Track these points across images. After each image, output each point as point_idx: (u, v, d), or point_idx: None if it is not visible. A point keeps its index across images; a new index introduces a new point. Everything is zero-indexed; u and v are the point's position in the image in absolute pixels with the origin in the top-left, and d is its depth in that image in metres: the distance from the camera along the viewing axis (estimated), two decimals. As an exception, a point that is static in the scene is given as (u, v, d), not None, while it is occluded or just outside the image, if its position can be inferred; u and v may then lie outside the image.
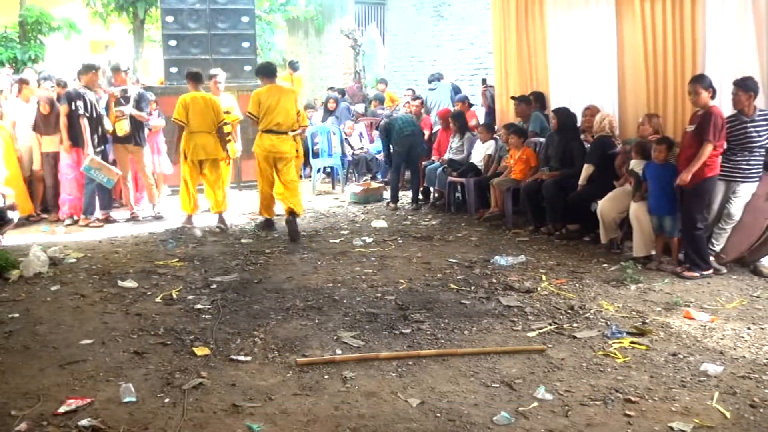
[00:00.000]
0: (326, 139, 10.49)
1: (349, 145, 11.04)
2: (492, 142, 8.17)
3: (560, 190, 6.73)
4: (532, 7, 7.91)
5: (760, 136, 5.35)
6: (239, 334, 4.22)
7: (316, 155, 10.46)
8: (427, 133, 9.58)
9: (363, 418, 3.15)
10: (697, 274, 5.37)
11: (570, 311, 4.62)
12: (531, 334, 4.22)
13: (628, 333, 4.21)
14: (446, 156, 8.67)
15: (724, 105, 5.55)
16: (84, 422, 3.09)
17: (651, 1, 6.43)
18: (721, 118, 5.23)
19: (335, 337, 4.16)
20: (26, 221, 7.68)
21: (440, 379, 3.56)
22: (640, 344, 4.03)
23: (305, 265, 5.90)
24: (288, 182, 7.11)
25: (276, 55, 16.80)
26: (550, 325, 4.37)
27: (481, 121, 9.13)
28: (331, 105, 12.01)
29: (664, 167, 5.59)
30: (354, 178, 10.96)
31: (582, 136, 7.01)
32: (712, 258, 5.49)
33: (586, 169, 6.47)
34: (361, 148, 11.20)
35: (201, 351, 3.94)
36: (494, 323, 4.40)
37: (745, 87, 5.30)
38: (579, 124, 7.10)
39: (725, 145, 5.36)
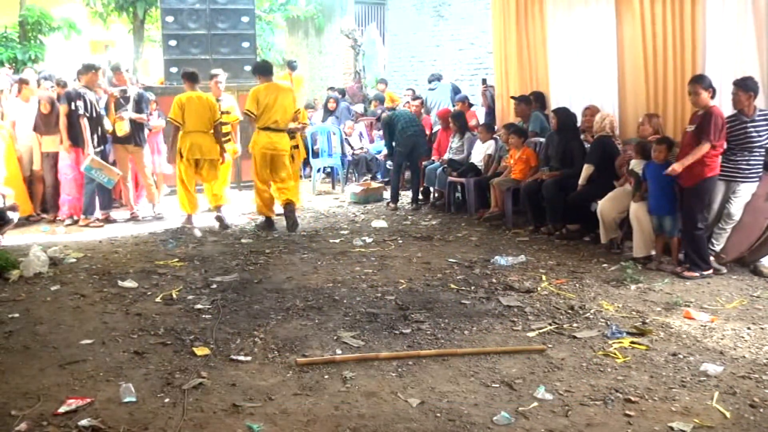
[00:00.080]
0: (326, 139, 10.49)
1: (349, 145, 11.04)
2: (492, 142, 8.17)
3: (560, 190, 6.73)
4: (532, 7, 7.91)
5: (760, 136, 5.35)
6: (239, 334, 4.22)
7: (316, 155, 10.46)
8: (426, 133, 9.58)
9: (363, 418, 3.15)
10: (697, 274, 5.37)
11: (570, 311, 4.62)
12: (531, 334, 4.22)
13: (628, 333, 4.21)
14: (446, 156, 8.66)
15: (724, 105, 5.55)
16: (84, 422, 3.09)
17: (651, 1, 6.43)
18: (721, 118, 5.23)
19: (335, 337, 4.16)
20: (26, 221, 7.68)
21: (440, 379, 3.57)
22: (640, 344, 4.03)
23: (305, 265, 5.90)
24: (286, 177, 7.27)
25: (276, 55, 16.78)
26: (550, 325, 4.37)
27: (482, 121, 9.14)
28: (331, 105, 12.02)
29: (664, 167, 5.58)
30: (354, 178, 10.96)
31: (582, 136, 7.01)
32: (712, 258, 5.49)
33: (586, 169, 6.47)
34: (361, 148, 11.20)
35: (201, 351, 3.94)
36: (494, 323, 4.41)
37: (745, 87, 5.30)
38: (579, 124, 7.10)
39: (725, 145, 5.37)
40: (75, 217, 7.71)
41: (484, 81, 10.50)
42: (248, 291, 5.12)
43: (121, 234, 7.24)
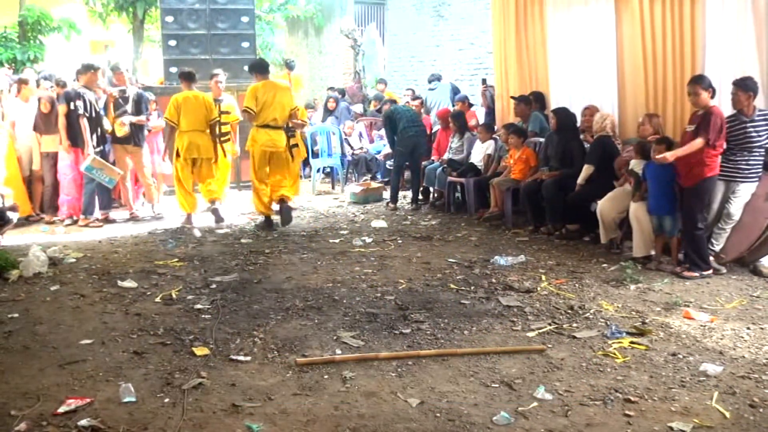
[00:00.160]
0: (326, 139, 10.49)
1: (349, 145, 11.04)
2: (491, 142, 8.17)
3: (560, 190, 6.73)
4: (531, 8, 7.91)
5: (759, 136, 5.35)
6: (239, 334, 4.22)
7: (315, 155, 10.46)
8: (427, 132, 9.58)
9: (363, 418, 3.15)
10: (696, 274, 5.37)
11: (570, 311, 4.62)
12: (531, 334, 4.22)
13: (628, 333, 4.21)
14: (446, 156, 8.66)
15: (723, 105, 5.55)
16: (83, 422, 3.09)
17: (650, 1, 6.43)
18: (720, 118, 5.23)
19: (335, 337, 4.16)
20: (26, 221, 7.68)
21: (440, 379, 3.56)
22: (639, 344, 4.03)
23: (305, 265, 5.90)
24: (285, 175, 7.37)
25: (276, 55, 16.78)
26: (550, 325, 4.37)
27: (482, 121, 9.13)
28: (331, 105, 12.02)
29: (663, 167, 5.58)
30: (354, 178, 10.96)
31: (581, 136, 7.01)
32: (711, 258, 5.49)
33: (586, 170, 6.47)
34: (361, 148, 11.20)
35: (201, 351, 3.94)
36: (494, 323, 4.41)
37: (744, 87, 5.30)
38: (578, 124, 7.10)
39: (725, 145, 5.37)
40: (74, 217, 7.71)
41: (483, 81, 10.50)
42: (248, 291, 5.12)
43: (121, 234, 7.24)
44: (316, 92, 16.14)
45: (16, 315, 4.62)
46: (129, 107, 7.78)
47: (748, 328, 4.29)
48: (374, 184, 9.77)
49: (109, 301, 4.92)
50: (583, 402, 3.31)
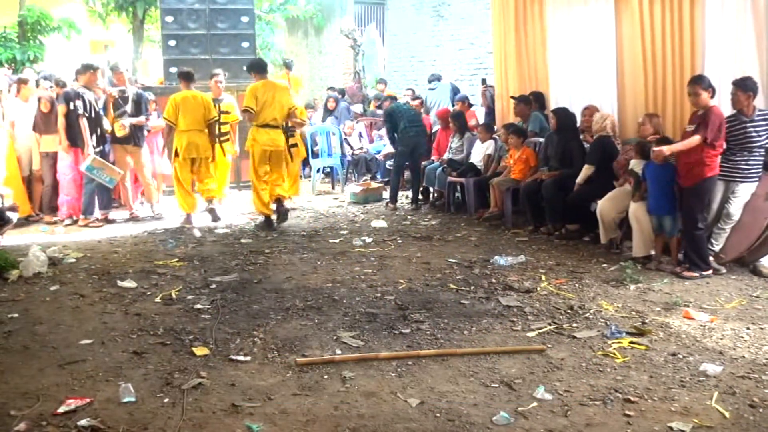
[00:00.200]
0: (326, 139, 10.49)
1: (349, 145, 11.04)
2: (491, 142, 8.17)
3: (560, 190, 6.73)
4: (531, 7, 7.91)
5: (759, 136, 5.35)
6: (239, 334, 4.22)
7: (315, 155, 10.46)
8: (427, 132, 9.57)
9: (362, 418, 3.15)
10: (696, 274, 5.37)
11: (569, 311, 4.62)
12: (530, 334, 4.22)
13: (628, 333, 4.21)
14: (446, 156, 8.67)
15: (723, 105, 5.55)
16: (83, 422, 3.09)
17: (650, 1, 6.43)
18: (720, 118, 5.22)
19: (335, 337, 4.16)
20: (25, 221, 7.68)
21: (440, 379, 3.56)
22: (639, 344, 4.03)
23: (305, 265, 5.90)
24: (283, 174, 7.51)
25: (276, 55, 16.79)
26: (550, 325, 4.37)
27: (482, 121, 9.13)
28: (331, 105, 12.02)
29: (663, 167, 5.59)
30: (353, 178, 10.97)
31: (581, 136, 7.01)
32: (711, 258, 5.49)
33: (586, 170, 6.47)
34: (361, 148, 11.20)
35: (200, 351, 3.94)
36: (494, 323, 4.40)
37: (744, 87, 5.30)
38: (578, 124, 7.10)
39: (724, 145, 5.37)
40: (74, 217, 7.71)
41: (483, 81, 10.51)
42: (248, 291, 5.12)
43: (121, 234, 7.24)
44: (315, 92, 16.15)
45: (15, 315, 4.62)
46: (128, 107, 7.79)
47: (748, 328, 4.29)
48: (374, 184, 9.78)
49: (109, 301, 4.92)
50: (582, 402, 3.31)
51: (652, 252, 5.79)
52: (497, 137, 8.17)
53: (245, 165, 9.32)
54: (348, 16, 15.86)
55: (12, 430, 3.04)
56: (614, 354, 3.88)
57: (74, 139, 7.52)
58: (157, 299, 4.96)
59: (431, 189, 8.91)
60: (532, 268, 5.71)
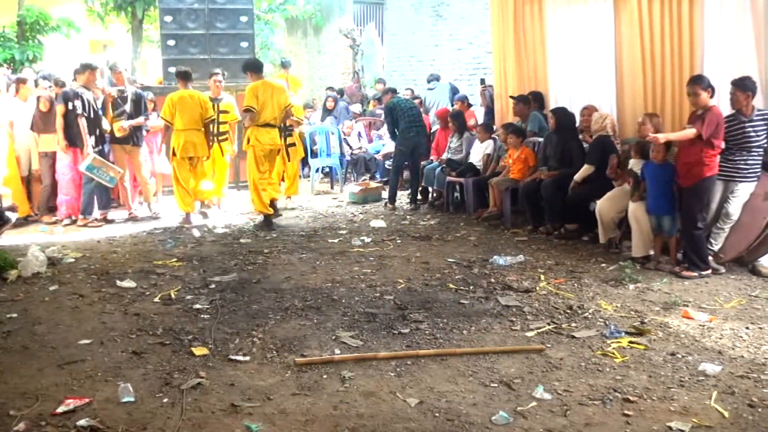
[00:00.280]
0: (325, 138, 10.49)
1: (348, 144, 11.04)
2: (490, 142, 8.17)
3: (559, 190, 6.73)
4: (530, 7, 7.91)
5: (758, 135, 5.36)
6: (238, 334, 4.22)
7: (314, 155, 10.46)
8: (427, 132, 9.57)
9: (362, 418, 3.15)
10: (695, 273, 5.37)
11: (568, 311, 4.62)
12: (529, 334, 4.22)
13: (627, 333, 4.21)
14: (445, 156, 8.67)
15: (722, 105, 5.55)
16: (82, 422, 3.09)
17: (649, 1, 6.43)
18: (718, 117, 5.22)
19: (334, 337, 4.16)
20: (24, 221, 7.67)
21: (439, 379, 3.57)
22: (638, 344, 4.03)
23: (304, 265, 5.90)
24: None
25: (275, 55, 16.79)
26: (549, 324, 4.37)
27: (481, 120, 9.13)
28: (330, 104, 12.01)
29: (662, 167, 5.59)
30: (352, 178, 10.96)
31: (580, 136, 7.01)
32: (710, 258, 5.49)
33: (586, 169, 6.47)
34: (360, 148, 11.20)
35: (199, 351, 3.94)
36: (493, 323, 4.41)
37: (743, 87, 5.31)
38: (577, 124, 7.11)
39: (723, 145, 5.37)
40: (73, 217, 7.70)
41: (482, 81, 10.51)
42: (247, 291, 5.12)
43: (120, 234, 7.24)
44: (315, 92, 16.15)
45: (14, 315, 4.62)
46: (127, 107, 7.79)
47: (747, 328, 4.29)
48: (373, 184, 9.77)
49: (108, 301, 4.92)
50: (582, 402, 3.31)
51: (651, 252, 5.80)
52: (496, 137, 8.17)
53: (244, 165, 9.35)
54: (347, 16, 15.87)
55: (11, 430, 3.04)
56: (613, 354, 3.88)
57: (73, 139, 7.51)
58: (156, 299, 4.96)
59: (430, 189, 8.91)
60: (531, 268, 5.71)
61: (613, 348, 3.96)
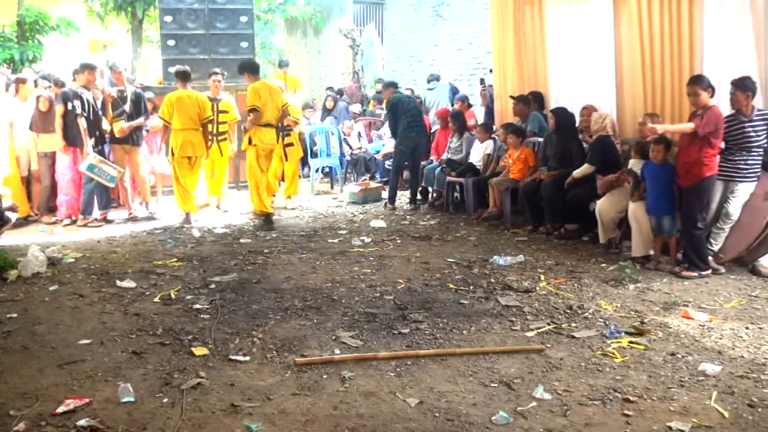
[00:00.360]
0: (325, 138, 10.48)
1: (348, 144, 11.03)
2: (490, 142, 8.17)
3: (558, 190, 6.73)
4: (530, 7, 7.91)
5: (758, 135, 5.35)
6: (238, 334, 4.22)
7: (314, 155, 10.46)
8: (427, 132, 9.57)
9: (362, 418, 3.15)
10: (695, 273, 5.37)
11: (568, 311, 4.62)
12: (529, 334, 4.22)
13: (627, 333, 4.21)
14: (444, 156, 8.67)
15: (722, 105, 5.55)
16: (82, 422, 3.09)
17: (648, 1, 6.43)
18: (717, 115, 5.22)
19: (334, 337, 4.16)
20: (24, 221, 7.67)
21: (439, 379, 3.57)
22: (638, 344, 4.03)
23: (304, 265, 5.90)
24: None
25: (275, 55, 16.80)
26: (549, 324, 4.37)
27: (482, 120, 9.13)
28: (329, 104, 12.01)
29: (662, 167, 5.59)
30: (352, 178, 10.96)
31: (580, 136, 7.01)
32: (710, 258, 5.49)
33: (586, 168, 6.47)
34: (360, 148, 11.19)
35: (199, 351, 3.94)
36: (493, 323, 4.41)
37: (743, 87, 5.31)
38: (577, 124, 7.11)
39: (723, 145, 5.37)
40: (73, 217, 7.70)
41: (482, 81, 10.51)
42: (247, 291, 5.12)
43: (120, 234, 7.24)
44: (315, 92, 16.15)
45: (14, 315, 4.62)
46: (127, 107, 7.79)
47: (747, 328, 4.29)
48: (373, 184, 9.77)
49: (108, 301, 4.92)
50: (582, 402, 3.31)
51: (651, 252, 5.80)
52: (496, 137, 8.17)
53: (244, 165, 9.36)
54: (347, 16, 15.87)
55: (11, 430, 3.04)
56: (613, 354, 3.88)
57: (73, 139, 7.51)
58: (156, 299, 4.96)
59: (430, 189, 8.91)
60: (531, 268, 5.71)
61: (613, 348, 3.97)
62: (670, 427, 3.04)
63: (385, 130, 10.82)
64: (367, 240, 6.80)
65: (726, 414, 3.17)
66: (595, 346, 4.00)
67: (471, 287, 5.18)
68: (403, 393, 3.40)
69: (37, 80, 8.55)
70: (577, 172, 6.51)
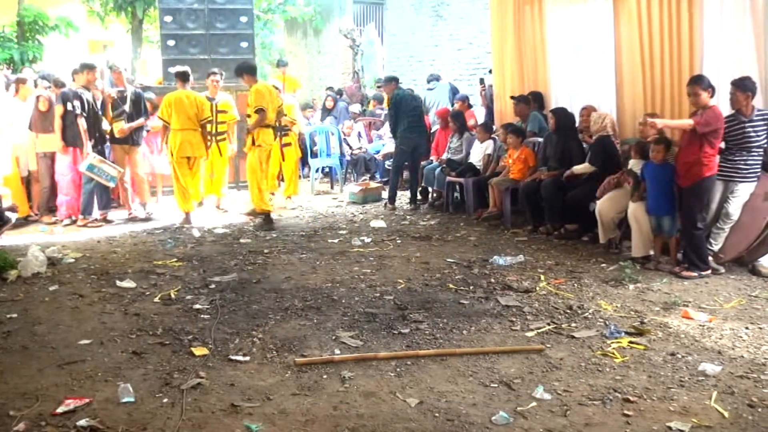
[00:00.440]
0: (325, 138, 10.49)
1: (348, 144, 11.04)
2: (490, 142, 8.17)
3: (558, 190, 6.73)
4: (530, 7, 7.91)
5: (758, 136, 5.35)
6: (238, 334, 4.22)
7: (314, 155, 10.46)
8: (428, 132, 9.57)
9: (362, 418, 3.15)
10: (695, 273, 5.37)
11: (568, 311, 4.63)
12: (529, 334, 4.22)
13: (627, 333, 4.21)
14: (444, 156, 8.67)
15: (722, 105, 5.55)
16: (82, 422, 3.09)
17: (648, 1, 6.43)
18: (717, 114, 5.22)
19: (334, 337, 4.16)
20: (24, 221, 7.67)
21: (439, 379, 3.57)
22: (638, 344, 4.03)
23: (304, 265, 5.90)
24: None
25: (276, 55, 16.80)
26: (549, 324, 4.37)
27: (482, 120, 9.12)
28: (329, 103, 12.01)
29: (662, 167, 5.59)
30: (352, 178, 10.96)
31: (579, 136, 7.01)
32: (710, 258, 5.49)
33: (587, 167, 6.47)
34: (360, 148, 11.20)
35: (199, 351, 3.94)
36: (493, 323, 4.41)
37: (743, 87, 5.31)
38: (577, 124, 7.11)
39: (723, 145, 5.37)
40: (73, 217, 7.70)
41: (481, 81, 10.51)
42: (247, 291, 5.12)
43: (120, 234, 7.24)
44: (314, 92, 16.15)
45: (14, 315, 4.62)
46: (127, 107, 7.79)
47: (747, 328, 4.29)
48: (373, 184, 9.77)
49: (108, 301, 4.92)
50: (581, 402, 3.31)
51: (651, 252, 5.80)
52: (496, 137, 8.17)
53: (244, 165, 9.36)
54: (347, 16, 15.88)
55: (11, 430, 3.04)
56: (613, 354, 3.88)
57: (72, 140, 7.51)
58: (156, 299, 4.96)
59: (430, 189, 8.91)
60: (531, 268, 5.71)
61: (613, 348, 3.97)
62: (670, 427, 3.04)
63: (385, 130, 10.83)
64: (367, 240, 6.80)
65: (726, 414, 3.17)
66: (595, 346, 4.00)
67: (471, 287, 5.18)
68: (403, 393, 3.40)
69: (37, 80, 8.54)
70: (577, 168, 6.52)
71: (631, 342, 4.06)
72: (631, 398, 3.32)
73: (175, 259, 6.09)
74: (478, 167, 8.14)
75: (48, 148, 7.74)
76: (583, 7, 7.26)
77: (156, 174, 8.70)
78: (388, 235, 7.03)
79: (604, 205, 6.11)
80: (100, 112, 7.73)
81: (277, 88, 8.16)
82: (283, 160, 8.87)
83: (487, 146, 8.15)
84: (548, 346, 4.02)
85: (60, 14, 13.33)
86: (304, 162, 10.35)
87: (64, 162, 7.64)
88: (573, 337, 4.15)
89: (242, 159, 9.29)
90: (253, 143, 7.45)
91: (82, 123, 7.43)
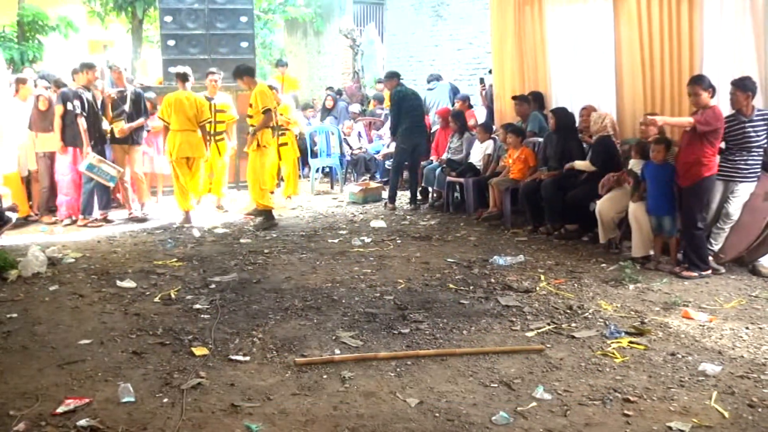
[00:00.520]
0: (325, 138, 10.48)
1: (348, 144, 11.03)
2: (490, 142, 8.17)
3: (558, 190, 6.73)
4: (530, 7, 7.91)
5: (758, 136, 5.35)
6: (238, 334, 4.22)
7: (314, 155, 10.46)
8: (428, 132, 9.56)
9: (362, 418, 3.15)
10: (695, 273, 5.37)
11: (568, 311, 4.63)
12: (529, 334, 4.22)
13: (627, 333, 4.21)
14: (445, 156, 8.67)
15: (722, 105, 5.55)
16: (82, 422, 3.09)
17: (648, 1, 6.43)
18: (717, 114, 5.22)
19: (334, 337, 4.16)
20: (24, 221, 7.67)
21: (439, 379, 3.57)
22: (638, 344, 4.03)
23: (304, 265, 5.90)
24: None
25: (276, 55, 16.79)
26: (549, 324, 4.37)
27: (482, 120, 9.12)
28: (329, 103, 12.00)
29: (662, 167, 5.59)
30: (352, 178, 10.96)
31: (579, 136, 7.01)
32: (710, 258, 5.49)
33: (588, 166, 6.47)
34: (360, 148, 11.19)
35: (199, 351, 3.94)
36: (493, 323, 4.41)
37: (743, 87, 5.31)
38: (576, 124, 7.11)
39: (723, 145, 5.37)
40: (73, 217, 7.70)
41: (481, 80, 10.51)
42: (247, 291, 5.12)
43: (120, 234, 7.24)
44: (314, 92, 16.15)
45: (14, 315, 4.62)
46: (127, 107, 7.80)
47: (747, 328, 4.29)
48: (373, 184, 9.77)
49: (108, 301, 4.92)
50: (582, 402, 3.31)
51: (651, 252, 5.80)
52: (496, 137, 8.17)
53: (244, 165, 9.36)
54: (347, 16, 15.87)
55: (11, 430, 3.04)
56: (613, 354, 3.88)
57: (72, 140, 7.51)
58: (156, 299, 4.96)
59: (430, 189, 8.91)
60: (531, 268, 5.71)
61: (613, 348, 3.97)
62: (670, 427, 3.05)
63: (385, 130, 10.82)
64: (367, 240, 6.80)
65: (726, 414, 3.17)
66: (595, 346, 4.00)
67: (471, 287, 5.18)
68: (403, 393, 3.40)
69: (36, 80, 8.54)
70: (578, 162, 6.52)
71: (631, 342, 4.06)
72: (631, 398, 3.32)
73: (175, 259, 6.09)
74: (478, 167, 8.14)
75: (47, 147, 7.74)
76: (583, 7, 7.26)
77: (156, 174, 8.70)
78: (388, 235, 7.03)
79: (604, 205, 6.11)
80: (100, 112, 7.73)
81: (274, 89, 8.18)
82: (280, 159, 8.91)
83: (488, 146, 8.15)
84: (548, 346, 4.02)
85: (60, 14, 13.32)
86: (304, 162, 10.34)
87: (64, 162, 7.64)
88: (573, 337, 4.15)
89: (243, 159, 9.29)
90: (258, 145, 7.45)
91: (82, 123, 7.43)
